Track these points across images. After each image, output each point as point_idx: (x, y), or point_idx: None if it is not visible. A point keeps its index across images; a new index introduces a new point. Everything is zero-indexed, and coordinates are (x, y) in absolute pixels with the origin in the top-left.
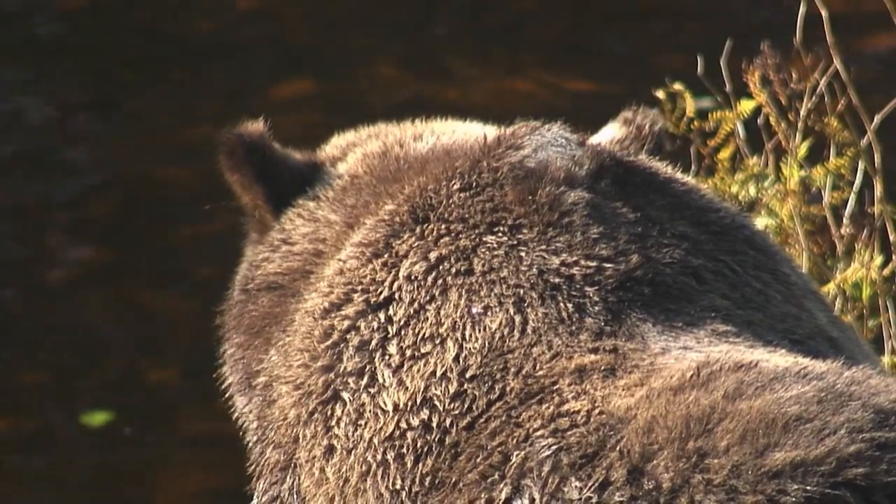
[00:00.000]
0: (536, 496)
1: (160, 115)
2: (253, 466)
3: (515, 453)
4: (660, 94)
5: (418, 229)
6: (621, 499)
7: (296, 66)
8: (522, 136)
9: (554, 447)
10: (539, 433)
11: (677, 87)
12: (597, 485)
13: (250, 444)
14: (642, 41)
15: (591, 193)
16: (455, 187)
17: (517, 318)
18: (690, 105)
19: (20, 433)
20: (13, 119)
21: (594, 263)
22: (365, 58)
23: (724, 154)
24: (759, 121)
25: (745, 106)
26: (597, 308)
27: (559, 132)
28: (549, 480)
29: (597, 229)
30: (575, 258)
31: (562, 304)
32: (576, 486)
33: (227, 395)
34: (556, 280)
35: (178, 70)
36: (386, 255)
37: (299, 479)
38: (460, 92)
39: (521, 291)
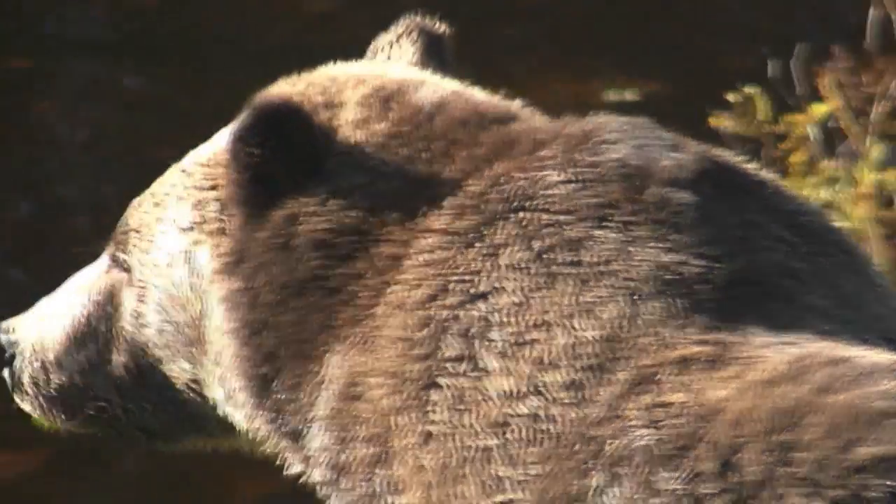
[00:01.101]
0: (628, 485)
1: None
2: (329, 467)
3: (612, 442)
4: (731, 97)
5: (513, 218)
6: (708, 491)
7: None
8: (615, 131)
9: (647, 437)
10: (635, 423)
11: (750, 90)
12: (685, 476)
13: (313, 445)
14: (714, 43)
15: (697, 195)
16: (554, 179)
17: (629, 311)
18: (762, 108)
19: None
20: None
21: (704, 263)
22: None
23: (797, 158)
24: (829, 124)
25: (818, 109)
26: (706, 306)
27: (657, 131)
28: (641, 470)
29: (704, 230)
30: (685, 257)
31: (673, 300)
32: (665, 477)
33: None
34: (669, 277)
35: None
36: (480, 244)
37: (393, 470)
38: (527, 94)
39: (634, 285)
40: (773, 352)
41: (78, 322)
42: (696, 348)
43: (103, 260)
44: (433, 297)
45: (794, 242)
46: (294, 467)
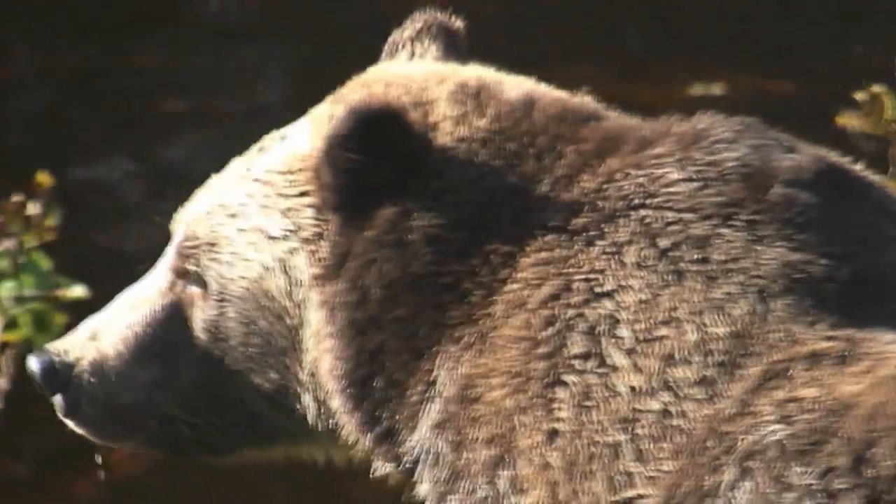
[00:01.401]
0: (760, 480)
1: None
2: (443, 471)
3: (744, 437)
4: (859, 95)
5: (634, 215)
6: (841, 486)
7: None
8: (729, 131)
9: (781, 432)
10: (768, 418)
11: (877, 88)
12: (819, 471)
13: (423, 449)
14: (840, 41)
15: (818, 196)
16: (674, 177)
17: (759, 308)
18: (890, 106)
19: None
20: None
21: (828, 262)
22: (564, 57)
23: None
24: None
25: None
26: (833, 304)
27: (770, 132)
28: (774, 465)
29: (827, 230)
30: (811, 256)
31: (801, 298)
32: (798, 472)
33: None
34: (796, 275)
35: None
36: (601, 243)
37: (518, 470)
38: (662, 94)
39: (763, 283)
40: None
41: (140, 339)
42: (825, 344)
43: (162, 275)
44: (556, 296)
45: None
46: (383, 469)
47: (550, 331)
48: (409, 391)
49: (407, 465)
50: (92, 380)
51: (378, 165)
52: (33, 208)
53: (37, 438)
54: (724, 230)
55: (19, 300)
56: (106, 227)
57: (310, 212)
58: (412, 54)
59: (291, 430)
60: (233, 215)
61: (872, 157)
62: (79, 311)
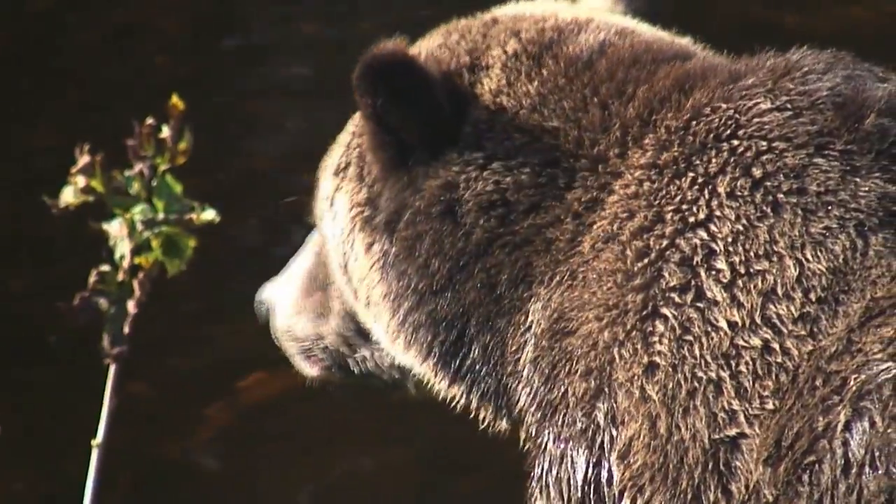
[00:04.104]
0: (878, 419)
1: None
2: (540, 405)
3: (854, 377)
4: None
5: (726, 146)
6: None
7: None
8: (821, 62)
9: (894, 371)
10: (878, 356)
11: None
12: None
13: (519, 388)
14: None
15: None
16: (765, 107)
17: (859, 242)
18: None
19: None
20: None
21: None
22: None
23: None
24: None
25: None
26: None
27: (863, 64)
28: (891, 403)
29: None
30: None
31: None
32: None
33: (400, 334)
34: (895, 208)
35: None
36: (692, 174)
37: (615, 402)
38: (800, 18)
39: (862, 216)
40: None
41: (305, 279)
42: None
43: None
44: (648, 228)
45: None
46: (487, 417)
47: (645, 262)
48: (506, 346)
49: (512, 415)
50: (278, 318)
51: (395, 115)
52: (166, 132)
53: (166, 363)
54: (818, 160)
55: (150, 224)
56: (238, 150)
57: (357, 151)
58: None
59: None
60: (328, 156)
61: None
62: (210, 235)
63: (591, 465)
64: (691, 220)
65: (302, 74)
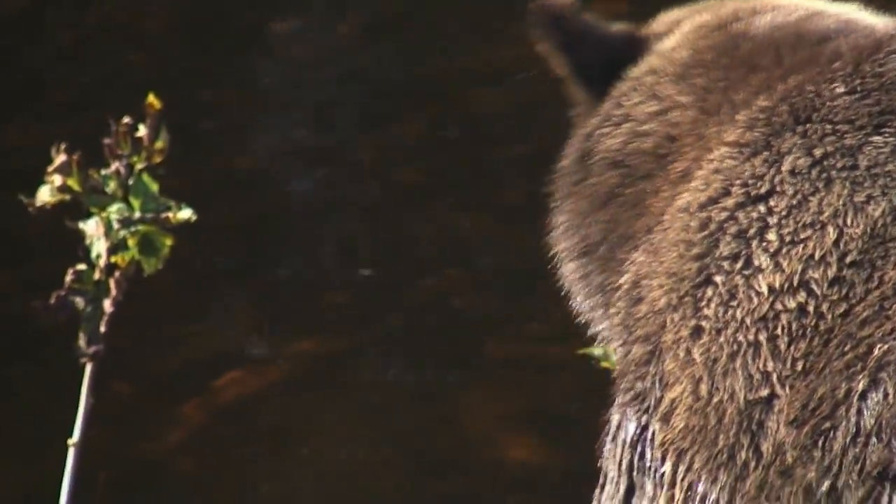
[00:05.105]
0: (891, 391)
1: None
2: (617, 367)
3: (879, 346)
4: None
5: (800, 129)
6: None
7: None
8: None
9: None
10: None
11: None
12: None
13: (612, 339)
14: None
15: None
16: (839, 91)
17: None
18: None
19: (327, 353)
20: None
21: None
22: None
23: None
24: None
25: None
26: None
27: None
28: None
29: None
30: None
31: None
32: None
33: (553, 263)
34: None
35: None
36: (766, 153)
37: (663, 365)
38: None
39: None
40: None
41: None
42: None
43: None
44: (715, 200)
45: None
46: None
47: (705, 232)
48: (609, 305)
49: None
50: None
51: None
52: (142, 131)
53: (142, 362)
54: (875, 137)
55: (126, 222)
56: (216, 150)
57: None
58: None
59: None
60: None
61: None
62: (186, 234)
63: (639, 428)
64: (753, 193)
65: (281, 75)
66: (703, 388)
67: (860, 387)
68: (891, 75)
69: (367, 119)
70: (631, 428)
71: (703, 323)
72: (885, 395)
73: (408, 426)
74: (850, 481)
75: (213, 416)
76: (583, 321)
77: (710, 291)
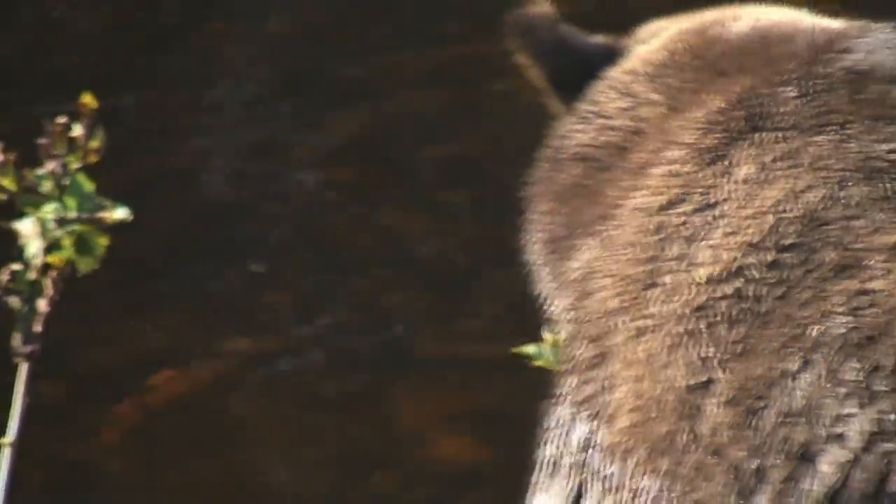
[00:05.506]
0: (822, 372)
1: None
2: (565, 364)
3: (816, 327)
4: None
5: (754, 136)
6: (882, 387)
7: None
8: (853, 38)
9: (847, 325)
10: (840, 309)
11: None
12: (869, 369)
13: (563, 332)
14: None
15: None
16: (790, 94)
17: (840, 193)
18: None
19: (260, 352)
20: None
21: None
22: None
23: None
24: None
25: None
26: None
27: (889, 34)
28: (835, 358)
29: None
30: None
31: (886, 184)
32: (851, 368)
33: (526, 262)
34: (882, 164)
35: None
36: (723, 163)
37: (610, 369)
38: None
39: (846, 173)
40: None
41: None
42: None
43: None
44: (672, 205)
45: None
46: None
47: (659, 236)
48: (561, 292)
49: None
50: None
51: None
52: (78, 130)
53: (77, 361)
54: (818, 137)
55: (62, 222)
56: (151, 149)
57: None
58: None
59: None
60: None
61: None
62: (121, 234)
63: (588, 432)
64: (707, 201)
65: (215, 74)
66: (646, 385)
67: (794, 367)
68: (838, 75)
69: (301, 118)
70: (580, 430)
71: (647, 322)
72: (819, 376)
73: (340, 425)
74: (777, 461)
75: (148, 416)
76: (544, 308)
77: (656, 291)
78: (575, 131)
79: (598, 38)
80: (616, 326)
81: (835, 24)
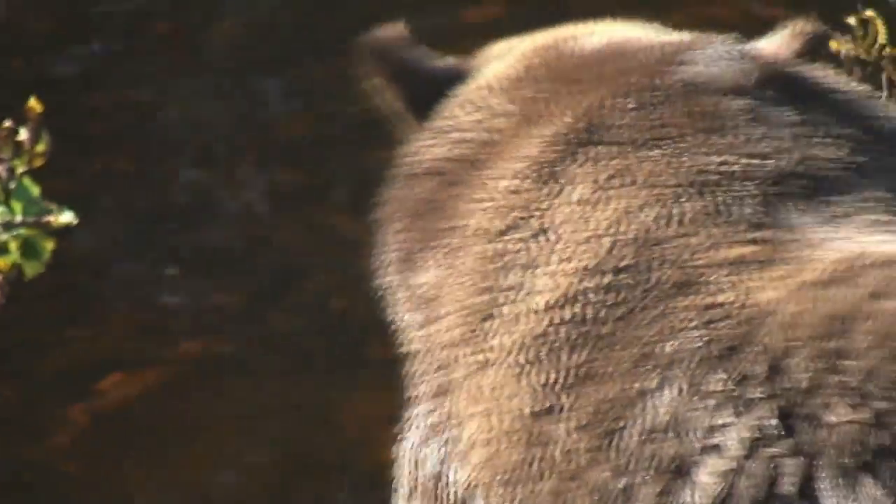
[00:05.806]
0: (684, 387)
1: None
2: (413, 390)
3: (668, 343)
4: (851, 20)
5: (592, 152)
6: (756, 395)
7: None
8: (694, 50)
9: (703, 339)
10: (692, 324)
11: (869, 13)
12: (737, 378)
13: (411, 358)
14: None
15: (756, 100)
16: (630, 106)
17: (674, 211)
18: (882, 32)
19: (210, 355)
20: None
21: (753, 161)
22: None
23: None
24: None
25: None
26: (755, 200)
27: (729, 45)
28: (692, 373)
29: (758, 131)
30: (734, 157)
31: (719, 198)
32: (718, 379)
33: (381, 281)
34: (714, 177)
35: None
36: (562, 180)
37: (456, 403)
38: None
39: (679, 189)
40: (826, 250)
41: None
42: (748, 247)
43: None
44: (512, 228)
45: (864, 140)
46: None
47: (497, 265)
48: (411, 309)
49: None
50: None
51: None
52: (24, 134)
53: (25, 366)
54: (651, 153)
55: (8, 226)
56: (98, 151)
57: None
58: None
59: None
60: None
61: (864, 82)
62: (67, 238)
63: (438, 461)
64: (542, 225)
65: (159, 77)
66: (494, 419)
67: (652, 385)
68: (676, 87)
69: (247, 120)
70: (431, 459)
71: (488, 355)
72: (680, 391)
73: (290, 428)
74: (647, 477)
75: (97, 419)
76: (398, 327)
77: (495, 323)
78: (429, 146)
79: (448, 61)
80: (458, 359)
81: (685, 36)
